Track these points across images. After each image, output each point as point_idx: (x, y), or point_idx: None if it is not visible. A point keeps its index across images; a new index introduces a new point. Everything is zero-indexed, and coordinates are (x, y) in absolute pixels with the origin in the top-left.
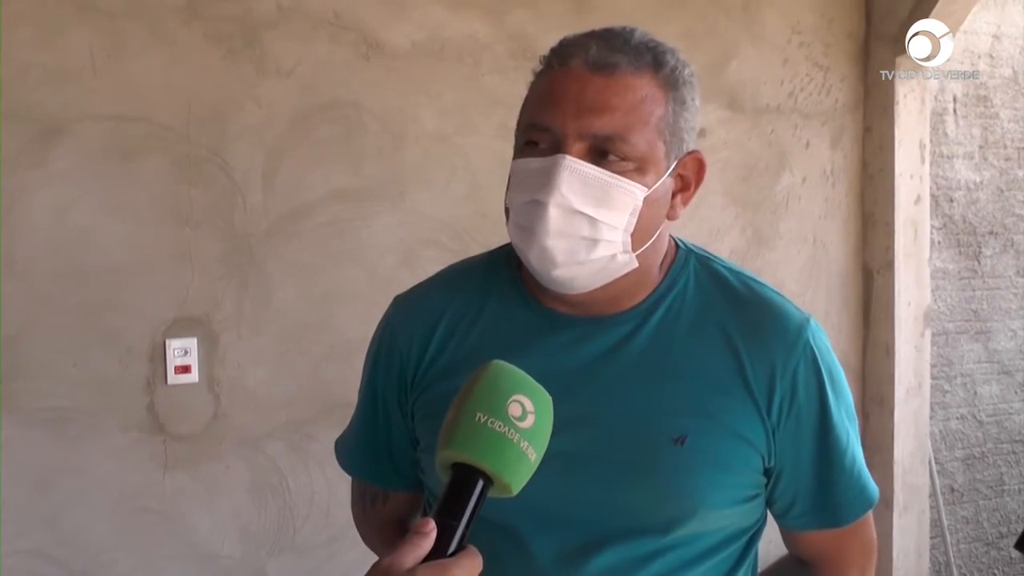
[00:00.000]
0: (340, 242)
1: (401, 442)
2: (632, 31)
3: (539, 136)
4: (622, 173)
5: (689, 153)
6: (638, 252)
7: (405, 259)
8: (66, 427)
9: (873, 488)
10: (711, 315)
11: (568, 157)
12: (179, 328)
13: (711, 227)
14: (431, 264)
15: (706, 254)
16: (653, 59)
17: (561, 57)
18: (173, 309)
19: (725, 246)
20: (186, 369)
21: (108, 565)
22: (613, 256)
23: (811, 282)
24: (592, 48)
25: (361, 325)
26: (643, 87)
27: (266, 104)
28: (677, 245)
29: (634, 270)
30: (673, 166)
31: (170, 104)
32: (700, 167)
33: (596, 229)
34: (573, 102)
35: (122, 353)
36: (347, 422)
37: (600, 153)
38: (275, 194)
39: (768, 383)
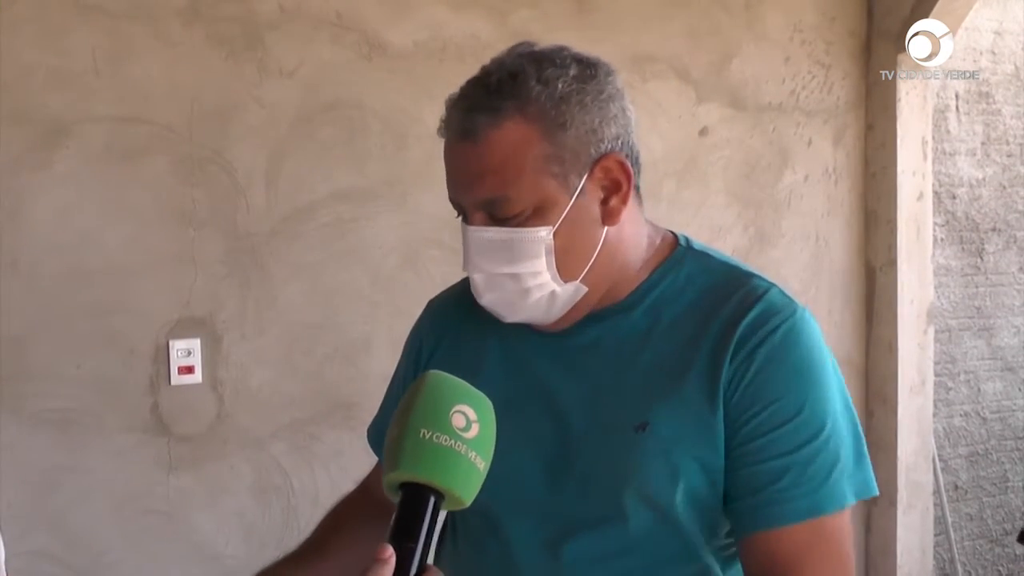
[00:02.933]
0: (343, 242)
1: None
2: (499, 66)
3: (456, 207)
4: (522, 223)
5: (598, 161)
6: (582, 276)
7: (408, 259)
8: (70, 428)
9: (832, 497)
10: (697, 310)
11: (471, 228)
12: (182, 329)
13: (713, 225)
14: (434, 264)
15: (705, 250)
16: (515, 99)
17: (443, 129)
18: (176, 310)
19: (728, 244)
20: (189, 370)
21: (112, 566)
22: (551, 293)
23: (814, 280)
24: (454, 115)
25: (364, 325)
26: (506, 139)
27: (268, 105)
28: (677, 242)
29: (604, 280)
30: (582, 184)
31: (173, 105)
32: (621, 166)
33: (519, 281)
34: (457, 176)
35: (126, 354)
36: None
37: (494, 214)
38: (278, 194)
39: (732, 368)
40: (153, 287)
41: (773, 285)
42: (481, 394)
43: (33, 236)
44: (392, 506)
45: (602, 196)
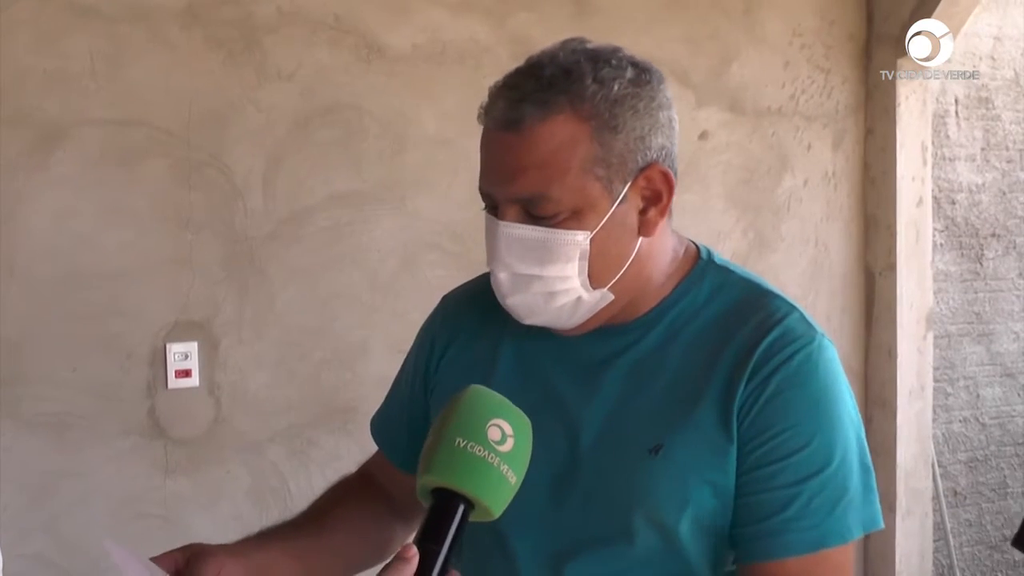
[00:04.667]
0: (341, 246)
1: (413, 419)
2: (552, 59)
3: (486, 198)
4: (558, 224)
5: (643, 170)
6: (611, 284)
7: (406, 263)
8: (67, 432)
9: (837, 530)
10: (715, 331)
11: (502, 223)
12: (180, 332)
13: (712, 230)
14: (432, 268)
15: (726, 265)
16: (568, 93)
17: (484, 115)
18: (174, 313)
19: (727, 249)
20: (187, 373)
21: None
22: (577, 299)
23: (813, 285)
24: (500, 103)
25: (362, 329)
26: (555, 134)
27: (266, 108)
28: (699, 256)
29: (630, 290)
30: (624, 191)
31: (170, 108)
32: (664, 177)
33: (547, 284)
34: (495, 167)
35: (123, 358)
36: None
37: (530, 211)
38: (276, 198)
39: (746, 393)
40: (150, 291)
41: (794, 308)
42: (520, 412)
43: (30, 239)
44: (389, 491)
45: (641, 206)
